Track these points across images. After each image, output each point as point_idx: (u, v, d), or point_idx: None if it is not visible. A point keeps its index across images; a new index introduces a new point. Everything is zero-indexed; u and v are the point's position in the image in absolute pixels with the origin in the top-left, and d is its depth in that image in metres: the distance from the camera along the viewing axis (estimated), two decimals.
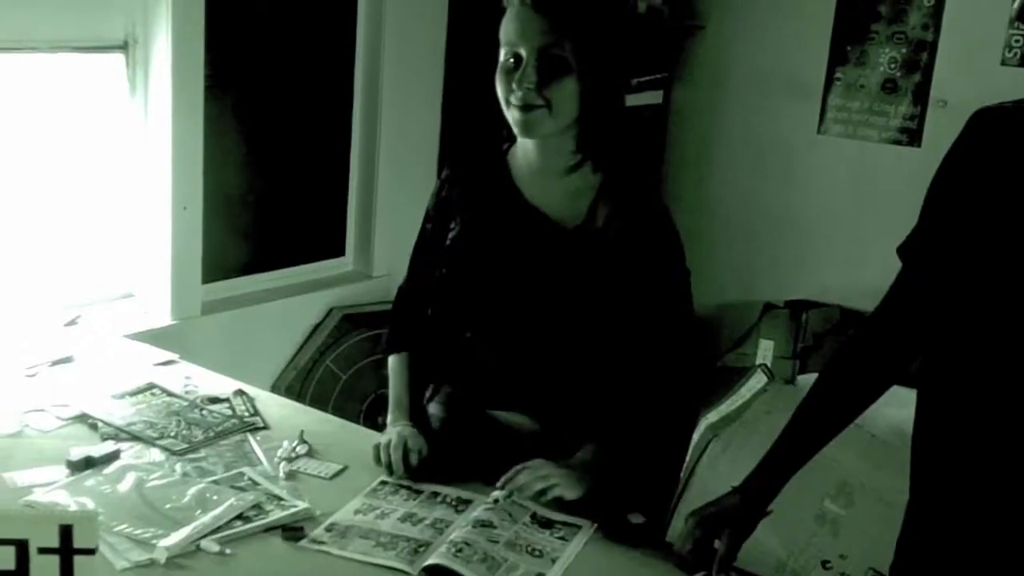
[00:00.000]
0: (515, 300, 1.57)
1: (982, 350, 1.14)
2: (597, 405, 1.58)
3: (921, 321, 1.24)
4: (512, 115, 1.51)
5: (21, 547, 1.11)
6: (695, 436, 2.83)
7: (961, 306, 1.16)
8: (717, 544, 1.36)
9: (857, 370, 1.34)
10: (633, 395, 1.56)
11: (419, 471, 1.57)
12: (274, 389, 2.71)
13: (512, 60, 1.49)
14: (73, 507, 1.43)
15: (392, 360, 1.76)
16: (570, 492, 1.48)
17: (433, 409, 1.71)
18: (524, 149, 1.58)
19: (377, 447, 1.61)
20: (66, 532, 1.11)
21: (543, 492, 1.48)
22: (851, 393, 1.34)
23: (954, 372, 1.19)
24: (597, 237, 1.52)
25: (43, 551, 1.11)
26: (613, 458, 1.54)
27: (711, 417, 2.85)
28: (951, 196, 1.18)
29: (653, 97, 3.59)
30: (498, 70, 1.51)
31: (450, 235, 1.64)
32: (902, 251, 1.27)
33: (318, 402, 2.72)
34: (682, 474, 2.76)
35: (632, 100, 3.50)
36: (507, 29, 1.49)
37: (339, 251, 3.08)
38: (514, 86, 1.47)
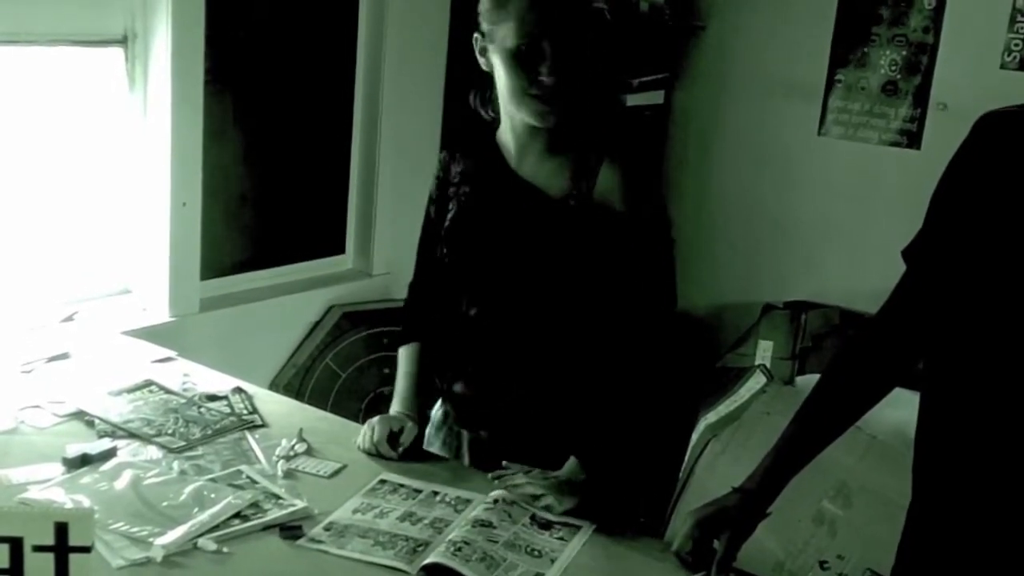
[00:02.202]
0: (512, 272, 1.59)
1: (985, 354, 1.14)
2: (590, 384, 1.59)
3: (924, 324, 1.24)
4: (529, 106, 1.52)
5: (16, 545, 1.10)
6: (694, 436, 2.82)
7: (965, 310, 1.15)
8: (716, 545, 1.35)
9: (859, 373, 1.34)
10: (615, 382, 1.57)
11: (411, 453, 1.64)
12: (273, 387, 2.70)
13: (529, 49, 1.48)
14: (69, 505, 1.42)
15: (401, 351, 1.79)
16: (558, 505, 1.51)
17: (457, 388, 1.71)
18: (512, 130, 1.60)
19: (372, 443, 1.66)
20: (61, 530, 1.10)
21: (535, 498, 1.51)
22: (852, 396, 1.34)
23: (957, 375, 1.18)
24: (581, 203, 1.55)
25: (38, 549, 1.10)
26: (598, 468, 1.55)
27: (710, 418, 2.84)
28: (955, 200, 1.18)
29: (654, 97, 3.58)
30: (509, 58, 1.50)
31: (448, 215, 1.67)
32: (907, 254, 1.27)
33: (317, 400, 2.71)
34: (681, 474, 2.76)
35: (633, 100, 3.49)
36: (524, 19, 1.48)
37: (339, 248, 3.07)
38: (543, 75, 1.48)
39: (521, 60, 1.49)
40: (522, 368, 1.62)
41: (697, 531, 1.35)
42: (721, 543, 1.33)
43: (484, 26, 1.54)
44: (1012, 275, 1.11)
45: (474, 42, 1.57)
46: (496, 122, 1.64)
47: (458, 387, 1.71)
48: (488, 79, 1.60)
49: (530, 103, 1.52)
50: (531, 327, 1.60)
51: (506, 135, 1.62)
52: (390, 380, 2.28)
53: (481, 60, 1.57)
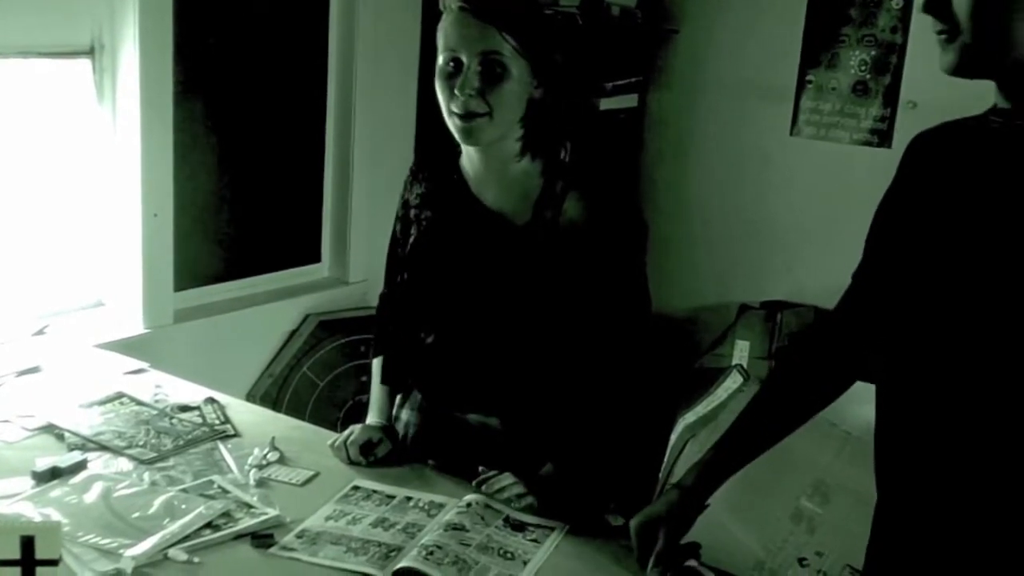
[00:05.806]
0: (474, 300, 1.58)
1: (932, 353, 1.15)
2: (559, 406, 1.58)
3: (871, 327, 1.26)
4: (453, 123, 1.51)
5: None
6: (672, 437, 2.83)
7: (907, 314, 1.17)
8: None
9: (800, 377, 1.35)
10: (591, 396, 1.57)
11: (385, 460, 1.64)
12: (249, 398, 2.68)
13: (452, 65, 1.49)
14: (37, 518, 1.40)
15: (374, 362, 1.78)
16: (540, 504, 1.51)
17: (405, 415, 1.70)
18: (468, 153, 1.59)
19: (343, 442, 1.66)
20: (28, 543, 1.10)
21: (519, 497, 1.51)
22: (793, 398, 1.35)
23: (907, 373, 1.19)
24: (546, 232, 1.54)
25: (4, 563, 1.09)
26: (573, 474, 1.55)
27: (688, 418, 2.85)
28: (895, 219, 1.21)
29: (628, 100, 3.59)
30: (437, 76, 1.51)
31: (410, 240, 1.65)
32: (856, 278, 1.30)
33: (295, 410, 2.70)
34: (660, 475, 2.76)
35: (607, 103, 3.50)
36: (447, 34, 1.50)
37: (315, 257, 3.06)
38: (456, 92, 1.48)
39: (443, 77, 1.50)
40: (477, 396, 1.60)
41: (639, 533, 1.36)
42: (661, 538, 1.34)
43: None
44: (948, 281, 1.12)
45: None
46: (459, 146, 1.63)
47: (407, 415, 1.69)
48: None
49: (453, 120, 1.51)
50: (491, 355, 1.58)
51: (465, 161, 1.61)
52: (368, 388, 2.27)
53: None
